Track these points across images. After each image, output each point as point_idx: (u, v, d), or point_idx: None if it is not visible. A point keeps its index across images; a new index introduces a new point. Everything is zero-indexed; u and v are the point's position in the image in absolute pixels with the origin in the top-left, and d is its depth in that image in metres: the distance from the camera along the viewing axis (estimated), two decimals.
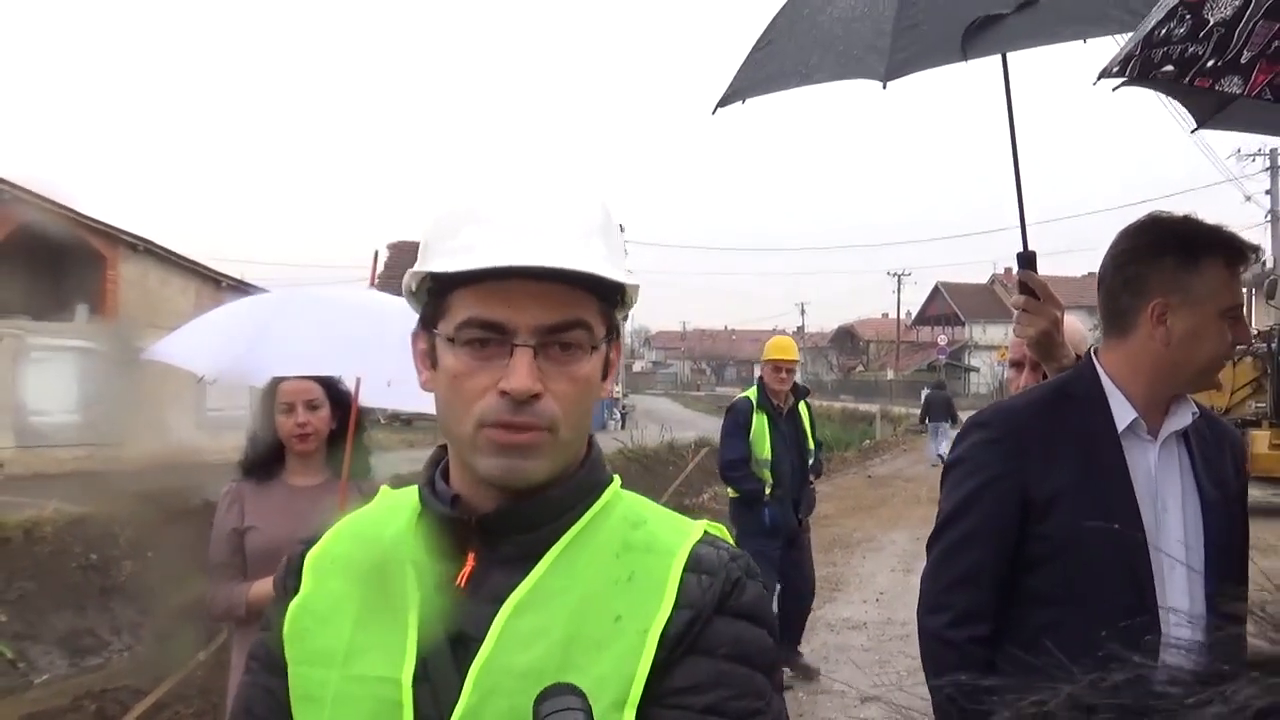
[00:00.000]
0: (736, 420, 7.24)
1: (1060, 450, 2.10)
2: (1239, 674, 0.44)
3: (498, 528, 1.17)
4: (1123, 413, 2.11)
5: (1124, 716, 0.44)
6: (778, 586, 7.02)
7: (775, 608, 6.98)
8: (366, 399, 3.66)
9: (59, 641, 9.81)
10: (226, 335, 3.80)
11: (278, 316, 3.89)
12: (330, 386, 3.58)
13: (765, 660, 1.16)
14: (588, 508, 1.20)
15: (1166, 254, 2.06)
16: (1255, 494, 15.23)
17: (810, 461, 7.44)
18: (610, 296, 1.19)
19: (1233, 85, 2.40)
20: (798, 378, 7.32)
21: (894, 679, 7.14)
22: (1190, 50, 2.25)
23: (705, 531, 1.22)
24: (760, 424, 7.12)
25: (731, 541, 1.24)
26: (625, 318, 1.30)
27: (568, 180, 1.22)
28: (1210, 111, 2.89)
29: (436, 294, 1.18)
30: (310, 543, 1.28)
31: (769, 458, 7.07)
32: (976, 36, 2.44)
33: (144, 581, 10.28)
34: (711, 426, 27.79)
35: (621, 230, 1.24)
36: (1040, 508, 2.07)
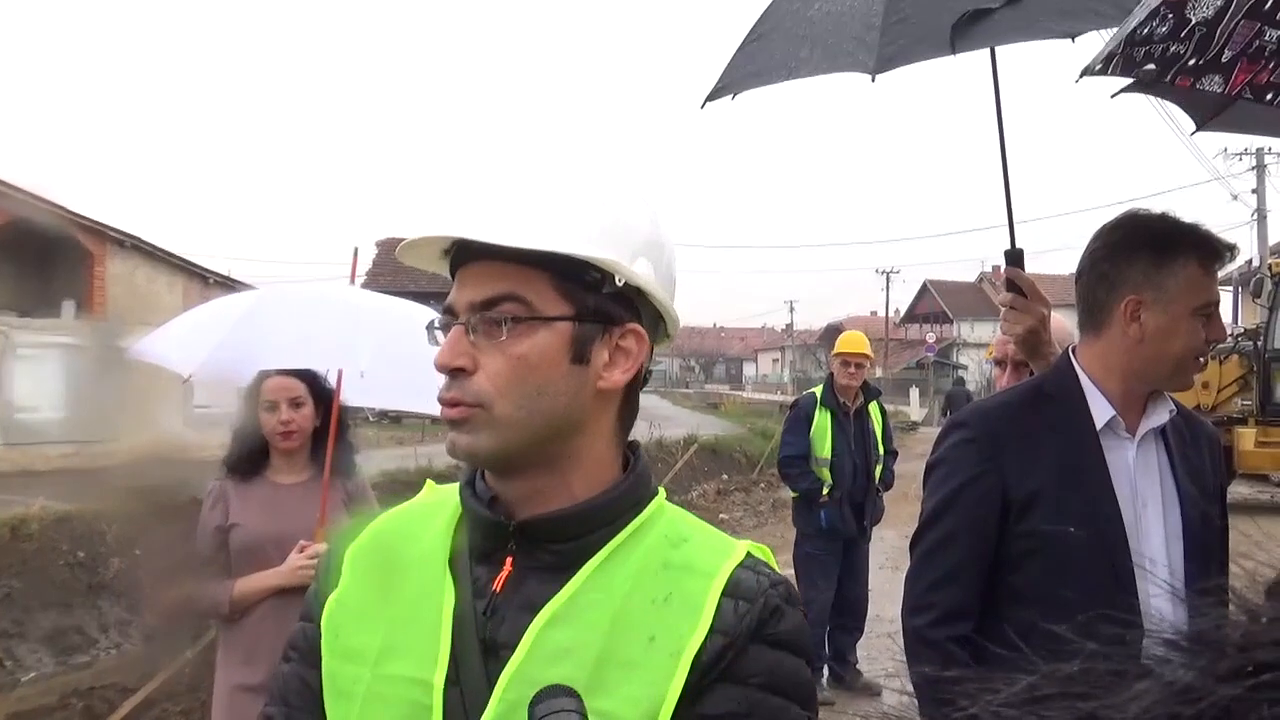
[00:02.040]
0: (798, 416, 7.01)
1: (1039, 449, 2.10)
2: (1173, 657, 0.45)
3: (537, 534, 1.16)
4: (1101, 411, 2.11)
5: (1071, 702, 0.44)
6: (831, 593, 6.90)
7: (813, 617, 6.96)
8: (351, 397, 3.66)
9: (46, 639, 9.78)
10: (207, 333, 3.79)
11: (258, 313, 3.88)
12: (314, 384, 3.56)
13: (801, 691, 1.14)
14: (629, 521, 1.18)
15: (1141, 251, 2.07)
16: (1241, 491, 15.37)
17: (879, 468, 7.03)
18: (577, 274, 1.14)
19: (1213, 84, 2.41)
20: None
21: (882, 675, 7.15)
22: (1172, 49, 2.26)
23: (748, 554, 1.19)
24: (823, 421, 6.86)
25: (774, 564, 1.21)
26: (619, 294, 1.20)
27: (564, 157, 1.20)
28: (1209, 114, 2.91)
29: None
30: (353, 535, 1.27)
31: (829, 457, 6.81)
32: (965, 30, 2.45)
33: (131, 579, 10.24)
34: (699, 423, 27.82)
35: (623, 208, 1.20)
36: (1020, 506, 2.08)
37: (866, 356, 7.01)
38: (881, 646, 7.76)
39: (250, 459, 3.57)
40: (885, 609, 8.08)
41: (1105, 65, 2.29)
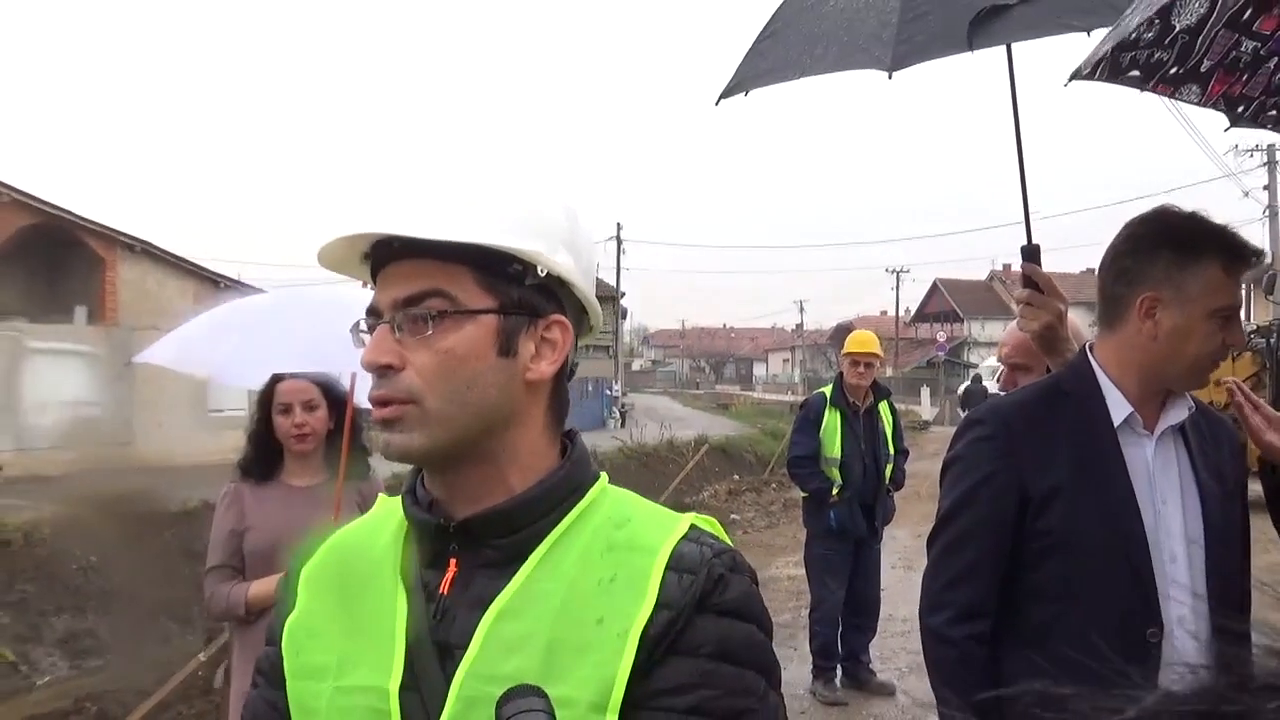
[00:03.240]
0: (807, 416, 6.99)
1: (1056, 446, 2.09)
2: None
3: (477, 532, 1.17)
4: (1118, 408, 2.10)
5: None
6: (842, 593, 6.87)
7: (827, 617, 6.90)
8: (364, 399, 3.66)
9: (60, 643, 9.82)
10: (221, 336, 3.80)
11: (272, 316, 3.89)
12: (327, 387, 3.58)
13: (756, 657, 1.13)
14: (570, 508, 1.19)
15: (1163, 248, 2.04)
16: (1255, 489, 15.28)
17: (889, 468, 6.97)
18: (499, 267, 1.16)
19: (1190, 94, 2.40)
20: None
21: (896, 675, 7.14)
22: (1156, 56, 2.26)
23: (692, 526, 1.19)
24: (832, 421, 6.85)
25: (723, 535, 1.21)
26: (582, 304, 1.25)
27: (481, 155, 1.23)
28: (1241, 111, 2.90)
29: None
30: (307, 557, 1.29)
31: (838, 457, 6.79)
32: (983, 26, 2.43)
33: (143, 583, 10.28)
34: (710, 424, 27.85)
35: (569, 216, 1.23)
36: (1038, 503, 2.06)
37: (875, 356, 6.96)
38: (895, 646, 7.75)
39: (264, 462, 3.58)
40: (898, 608, 8.07)
41: (1093, 70, 2.28)
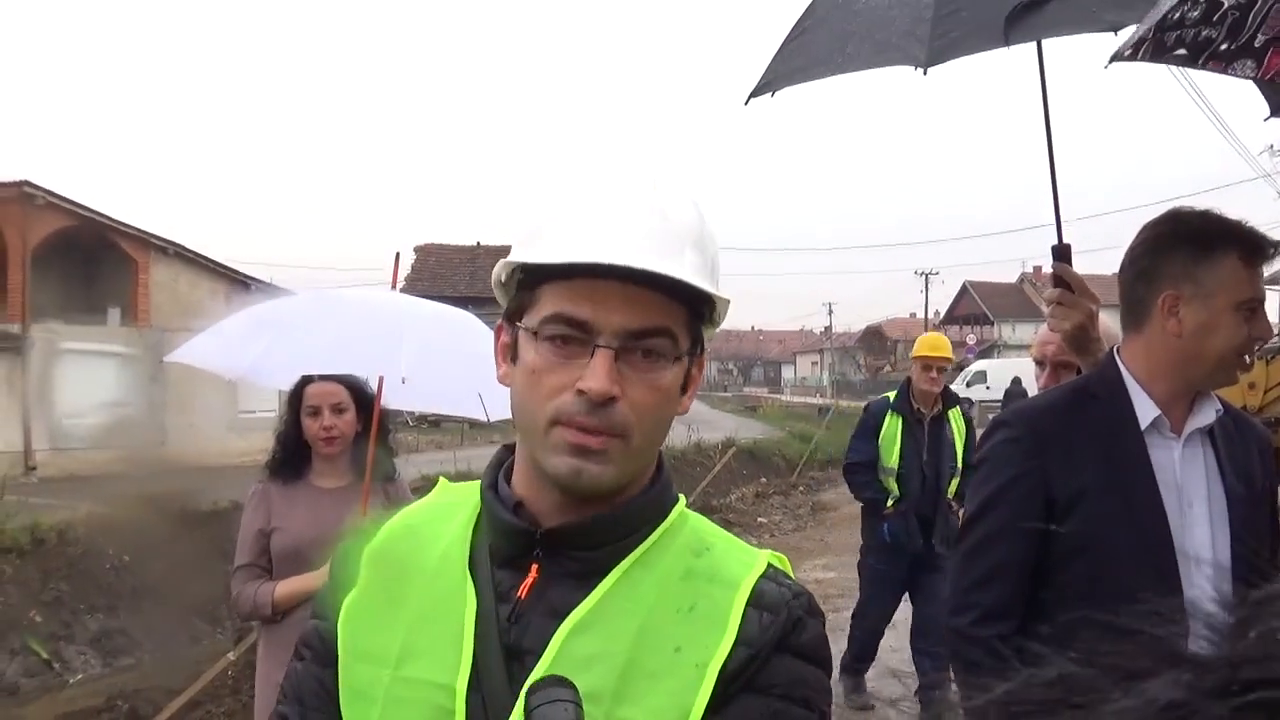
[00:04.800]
0: (867, 421, 6.61)
1: (1082, 448, 2.08)
2: (1161, 670, 0.42)
3: (563, 541, 1.15)
4: (1145, 410, 2.09)
5: (1044, 714, 0.43)
6: (891, 608, 6.65)
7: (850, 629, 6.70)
8: (392, 401, 3.68)
9: (93, 642, 9.91)
10: (248, 337, 3.82)
11: (300, 318, 3.91)
12: (356, 389, 3.60)
13: (820, 700, 1.15)
14: (654, 529, 1.18)
15: (1180, 246, 2.05)
16: None
17: (955, 481, 6.34)
18: (698, 309, 1.16)
19: (1245, 70, 2.38)
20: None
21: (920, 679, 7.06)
22: (1204, 34, 2.23)
23: (769, 564, 1.19)
24: (892, 428, 6.42)
25: (792, 574, 1.21)
26: (710, 336, 1.25)
27: (665, 186, 1.20)
28: None
29: (526, 287, 1.16)
30: (369, 534, 1.26)
31: (895, 467, 6.36)
32: (1017, 21, 2.42)
33: (175, 582, 10.37)
34: (737, 427, 27.75)
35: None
36: (1064, 506, 2.06)
37: (948, 360, 6.51)
38: None
39: (293, 463, 3.61)
40: None
41: (1135, 50, 2.26)
